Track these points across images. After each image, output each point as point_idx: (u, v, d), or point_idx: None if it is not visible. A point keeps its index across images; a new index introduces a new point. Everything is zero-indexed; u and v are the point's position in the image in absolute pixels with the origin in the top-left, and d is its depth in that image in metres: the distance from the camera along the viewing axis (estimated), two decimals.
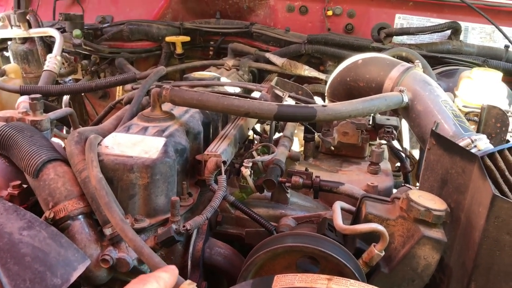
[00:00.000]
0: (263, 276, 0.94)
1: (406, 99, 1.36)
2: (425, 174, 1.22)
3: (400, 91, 1.37)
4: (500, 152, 1.08)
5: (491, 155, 1.07)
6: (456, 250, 1.09)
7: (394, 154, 1.59)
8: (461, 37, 2.27)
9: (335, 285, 0.81)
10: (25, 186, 1.16)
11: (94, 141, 1.11)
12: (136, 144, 1.15)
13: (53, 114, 1.45)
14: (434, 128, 1.24)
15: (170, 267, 0.76)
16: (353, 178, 1.47)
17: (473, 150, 1.21)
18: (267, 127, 1.75)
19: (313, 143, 1.61)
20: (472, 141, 1.24)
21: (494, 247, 0.97)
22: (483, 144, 1.24)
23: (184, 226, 1.03)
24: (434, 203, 1.01)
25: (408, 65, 1.46)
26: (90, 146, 1.08)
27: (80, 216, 1.05)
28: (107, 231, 1.01)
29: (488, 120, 1.40)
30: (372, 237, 1.02)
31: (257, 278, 0.93)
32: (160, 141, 1.16)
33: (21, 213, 0.96)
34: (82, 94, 2.50)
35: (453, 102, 1.66)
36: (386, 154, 1.66)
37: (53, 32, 2.08)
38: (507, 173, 1.05)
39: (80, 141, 1.14)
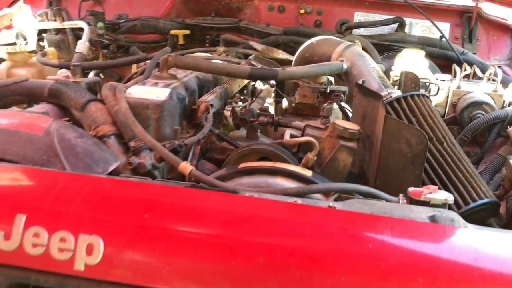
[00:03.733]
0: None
1: (345, 66, 1.77)
2: (352, 114, 1.64)
3: (341, 60, 1.78)
4: (398, 98, 1.50)
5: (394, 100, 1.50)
6: (370, 163, 1.50)
7: (342, 111, 1.98)
8: (406, 30, 2.65)
9: (277, 165, 1.22)
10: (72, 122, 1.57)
11: (122, 88, 1.52)
12: (149, 92, 1.55)
13: (87, 79, 1.86)
14: (361, 84, 1.66)
15: None
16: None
17: (389, 99, 1.62)
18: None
19: (281, 105, 2.01)
20: (389, 93, 1.65)
21: (388, 152, 1.37)
22: (395, 95, 1.65)
23: (183, 142, 1.44)
24: (350, 126, 1.42)
25: (349, 43, 1.87)
26: (120, 90, 1.49)
27: (112, 136, 1.45)
28: (132, 143, 1.42)
29: (406, 82, 1.80)
30: (310, 151, 1.43)
31: (229, 166, 1.34)
32: (167, 90, 1.56)
33: (75, 128, 1.37)
34: (102, 76, 2.88)
35: (388, 74, 2.08)
36: (340, 115, 2.06)
37: (82, 24, 2.49)
38: (398, 108, 1.46)
39: (111, 88, 1.55)
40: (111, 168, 1.33)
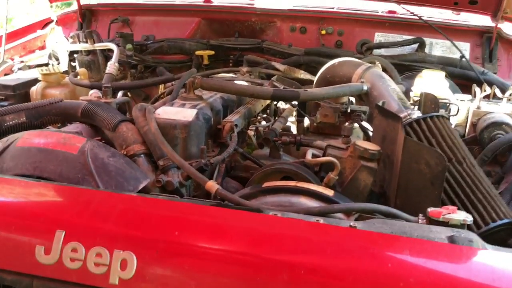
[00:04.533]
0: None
1: (365, 88, 1.81)
2: (373, 134, 1.67)
3: (361, 81, 1.82)
4: (417, 120, 1.52)
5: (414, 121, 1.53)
6: (390, 182, 1.53)
7: (363, 131, 2.01)
8: (427, 50, 2.68)
9: (300, 184, 1.27)
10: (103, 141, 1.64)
11: (151, 109, 1.59)
12: (177, 112, 1.62)
13: (117, 100, 1.93)
14: (381, 105, 1.69)
15: None
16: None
17: (408, 120, 1.64)
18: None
19: (303, 124, 2.05)
20: (408, 114, 1.68)
21: (407, 172, 1.40)
22: (415, 116, 1.68)
23: (209, 161, 1.49)
24: (371, 146, 1.45)
25: (369, 65, 1.91)
26: (149, 111, 1.56)
27: (142, 155, 1.51)
28: (160, 162, 1.48)
29: (425, 103, 1.82)
30: (332, 170, 1.46)
31: (253, 185, 1.39)
32: (194, 111, 1.62)
33: (107, 147, 1.43)
34: (130, 95, 2.97)
35: (408, 94, 2.11)
36: (361, 134, 2.09)
37: (112, 45, 2.58)
38: (418, 129, 1.48)
39: (141, 109, 1.62)
40: (141, 186, 1.39)
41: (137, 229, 0.98)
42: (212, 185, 1.23)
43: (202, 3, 3.10)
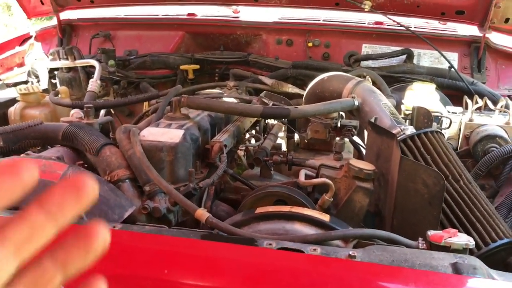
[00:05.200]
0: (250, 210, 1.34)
1: (356, 103, 1.77)
2: (366, 152, 1.63)
3: (352, 97, 1.78)
4: (411, 136, 1.49)
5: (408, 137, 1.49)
6: (386, 202, 1.49)
7: (354, 145, 1.98)
8: (415, 61, 2.66)
9: (294, 209, 1.21)
10: (85, 165, 1.58)
11: (136, 131, 1.53)
12: (164, 134, 1.56)
13: (100, 120, 1.87)
14: (374, 122, 1.66)
15: None
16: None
17: (402, 136, 1.61)
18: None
19: (293, 140, 2.01)
20: (402, 130, 1.64)
21: (404, 192, 1.36)
22: (409, 132, 1.64)
23: (198, 185, 1.43)
24: (366, 166, 1.41)
25: (359, 79, 1.88)
26: (134, 134, 1.50)
27: (127, 180, 1.45)
28: (147, 188, 1.42)
29: (418, 117, 1.79)
30: (326, 191, 1.42)
31: (245, 211, 1.33)
32: (180, 132, 1.57)
33: (90, 174, 1.37)
34: (113, 112, 2.90)
35: (399, 107, 2.08)
36: (352, 149, 2.05)
37: (94, 62, 2.51)
38: (412, 146, 1.45)
39: (125, 131, 1.56)
40: (126, 214, 1.33)
41: (125, 267, 0.91)
42: (202, 214, 1.17)
43: (185, 17, 3.05)
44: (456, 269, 0.93)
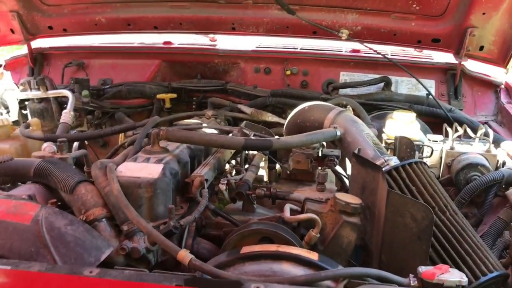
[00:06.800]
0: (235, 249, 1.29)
1: (339, 133, 1.75)
2: (351, 184, 1.61)
3: (334, 127, 1.77)
4: (396, 167, 1.48)
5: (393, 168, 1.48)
6: (373, 235, 1.46)
7: (336, 176, 1.95)
8: (393, 88, 2.69)
9: (281, 248, 1.17)
10: (59, 203, 1.50)
11: (113, 166, 1.47)
12: (142, 169, 1.51)
13: (73, 154, 1.80)
14: (357, 153, 1.64)
15: None
16: (305, 196, 1.84)
17: (387, 167, 1.59)
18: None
19: (275, 170, 1.97)
20: (385, 161, 1.63)
21: (392, 227, 1.34)
22: (392, 162, 1.63)
23: (179, 223, 1.38)
24: (352, 199, 1.38)
25: (341, 109, 1.87)
26: (110, 170, 1.44)
27: (104, 219, 1.39)
28: (125, 227, 1.36)
29: (400, 147, 1.79)
30: (311, 226, 1.38)
31: (230, 250, 1.28)
32: (159, 166, 1.51)
33: (64, 214, 1.30)
34: (86, 143, 2.81)
35: (380, 136, 2.08)
36: (334, 178, 2.03)
37: (66, 92, 2.45)
38: (397, 177, 1.44)
39: (101, 167, 1.50)
40: (103, 256, 1.26)
41: None
42: (185, 256, 1.12)
43: (162, 45, 3.02)
44: None
